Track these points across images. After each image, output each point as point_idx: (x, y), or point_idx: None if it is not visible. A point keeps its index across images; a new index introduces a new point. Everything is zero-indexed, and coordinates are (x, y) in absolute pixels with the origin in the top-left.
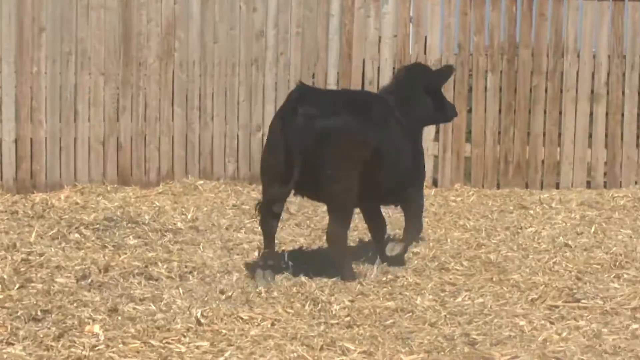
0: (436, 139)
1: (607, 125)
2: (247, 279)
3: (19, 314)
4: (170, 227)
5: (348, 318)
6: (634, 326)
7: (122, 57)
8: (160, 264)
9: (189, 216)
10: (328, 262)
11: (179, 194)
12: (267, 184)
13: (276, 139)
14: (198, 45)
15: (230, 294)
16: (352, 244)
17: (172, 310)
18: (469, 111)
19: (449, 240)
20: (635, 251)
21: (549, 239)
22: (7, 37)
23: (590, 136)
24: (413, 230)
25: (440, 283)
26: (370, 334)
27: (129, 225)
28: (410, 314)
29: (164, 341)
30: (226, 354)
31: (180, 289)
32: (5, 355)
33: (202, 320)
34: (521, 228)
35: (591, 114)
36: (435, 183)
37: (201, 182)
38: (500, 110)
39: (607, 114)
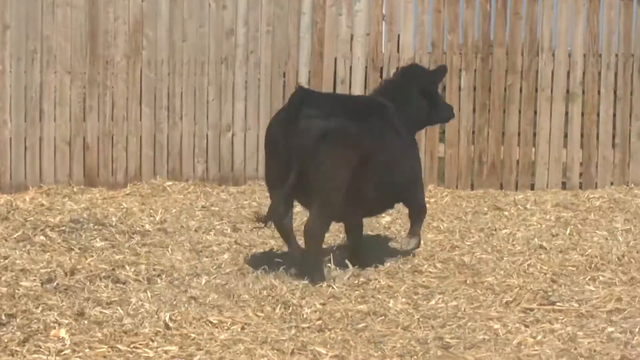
0: None
1: (583, 125)
2: (216, 281)
3: None
4: (138, 229)
5: (319, 322)
6: (610, 329)
7: (89, 56)
8: (127, 267)
9: (157, 218)
10: (299, 264)
11: (147, 195)
12: (270, 188)
13: (276, 142)
14: (166, 43)
15: (199, 297)
16: (324, 246)
17: (139, 314)
18: None
19: (422, 242)
20: (611, 253)
21: (524, 240)
22: None
23: (565, 136)
24: (420, 223)
25: (413, 286)
26: (342, 338)
27: (96, 227)
28: (383, 317)
29: (131, 346)
30: (195, 359)
31: (148, 292)
32: None
33: (171, 324)
34: (495, 230)
35: (566, 113)
36: None
37: (170, 183)
38: (474, 110)
39: (582, 114)
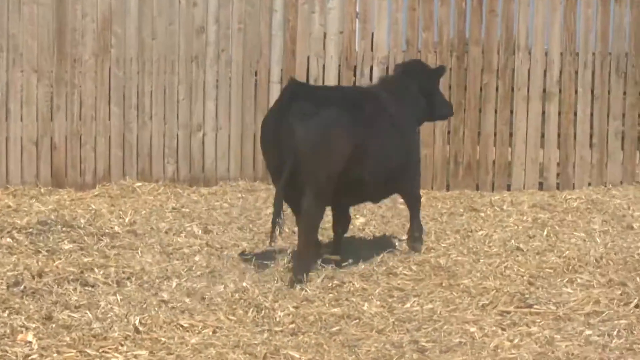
0: None
1: (560, 125)
2: (187, 284)
3: None
4: (107, 231)
5: (292, 325)
6: (587, 332)
7: (56, 54)
8: (96, 270)
9: (127, 220)
10: (272, 266)
11: (116, 197)
12: (273, 182)
13: (270, 135)
14: (136, 41)
15: (169, 300)
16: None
17: (109, 318)
18: None
19: (397, 244)
20: (589, 255)
21: (500, 242)
22: None
23: (542, 136)
24: (417, 214)
25: (388, 288)
26: (315, 342)
27: (64, 229)
28: (357, 320)
29: (100, 350)
30: None
31: (117, 295)
32: None
33: (141, 328)
34: (472, 231)
35: (543, 113)
36: None
37: (139, 184)
38: None
39: (559, 113)
